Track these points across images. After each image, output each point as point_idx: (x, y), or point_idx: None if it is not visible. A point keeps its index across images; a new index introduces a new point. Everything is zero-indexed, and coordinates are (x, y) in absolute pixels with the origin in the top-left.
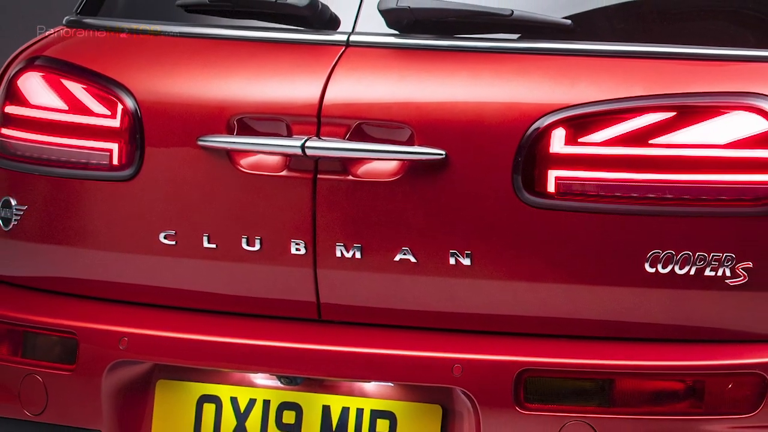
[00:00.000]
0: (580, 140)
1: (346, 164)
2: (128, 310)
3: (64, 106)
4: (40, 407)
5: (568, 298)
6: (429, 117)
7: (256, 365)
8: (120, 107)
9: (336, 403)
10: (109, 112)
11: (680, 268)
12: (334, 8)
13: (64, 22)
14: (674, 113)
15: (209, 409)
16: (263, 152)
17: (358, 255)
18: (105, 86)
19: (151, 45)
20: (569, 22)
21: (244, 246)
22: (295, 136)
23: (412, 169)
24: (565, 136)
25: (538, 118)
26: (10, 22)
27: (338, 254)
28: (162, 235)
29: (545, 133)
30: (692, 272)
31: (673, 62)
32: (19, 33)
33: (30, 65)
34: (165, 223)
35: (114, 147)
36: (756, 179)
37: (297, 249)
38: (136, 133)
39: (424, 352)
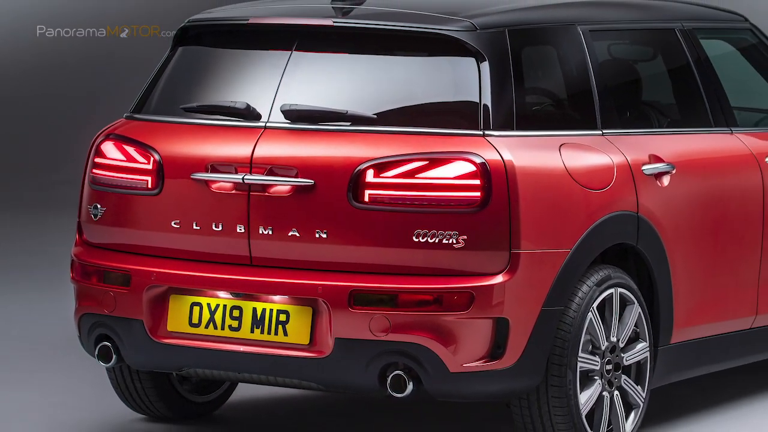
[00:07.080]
0: (381, 175)
1: (265, 187)
2: (155, 260)
3: (124, 158)
4: (112, 308)
5: (375, 254)
6: (306, 163)
7: (219, 287)
8: (152, 158)
9: (259, 306)
10: (146, 161)
11: (431, 239)
12: (258, 109)
13: (123, 116)
14: (427, 161)
15: (196, 309)
16: (223, 181)
17: (270, 232)
18: (144, 148)
19: (168, 127)
20: (375, 116)
21: (213, 228)
22: (239, 173)
23: (297, 189)
24: (374, 173)
25: (360, 164)
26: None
27: (260, 232)
28: (173, 222)
29: (363, 172)
30: (437, 241)
31: (426, 136)
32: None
33: (107, 137)
34: (174, 216)
35: (149, 179)
36: (468, 194)
37: (240, 229)
38: (160, 171)
39: (303, 280)
